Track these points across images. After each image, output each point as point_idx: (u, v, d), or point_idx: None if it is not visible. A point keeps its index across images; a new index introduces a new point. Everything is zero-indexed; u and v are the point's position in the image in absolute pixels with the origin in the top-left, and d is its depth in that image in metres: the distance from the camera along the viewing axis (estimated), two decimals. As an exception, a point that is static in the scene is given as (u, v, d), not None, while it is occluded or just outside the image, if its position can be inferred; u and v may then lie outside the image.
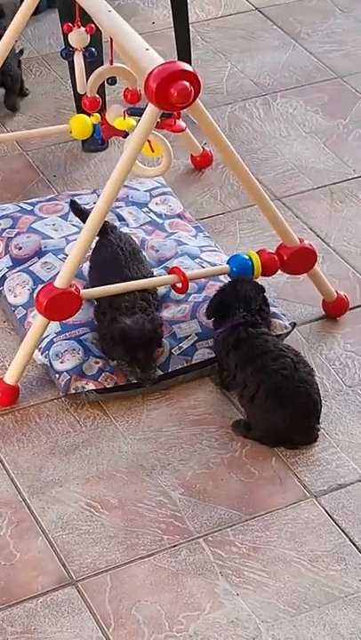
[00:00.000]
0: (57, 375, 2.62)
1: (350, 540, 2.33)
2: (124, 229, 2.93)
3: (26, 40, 3.67)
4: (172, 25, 3.48)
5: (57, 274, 2.63)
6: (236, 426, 2.55)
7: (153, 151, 2.60)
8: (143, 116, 2.40)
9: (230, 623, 2.19)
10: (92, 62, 2.90)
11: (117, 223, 2.95)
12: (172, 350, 2.65)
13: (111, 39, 2.61)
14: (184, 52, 3.45)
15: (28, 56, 3.61)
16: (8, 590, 2.24)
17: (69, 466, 2.47)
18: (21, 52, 3.51)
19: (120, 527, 2.35)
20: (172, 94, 2.33)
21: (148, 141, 2.54)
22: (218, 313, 2.62)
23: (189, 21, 3.47)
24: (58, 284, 2.51)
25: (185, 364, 2.65)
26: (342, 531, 2.35)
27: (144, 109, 2.46)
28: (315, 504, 2.41)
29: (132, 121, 2.65)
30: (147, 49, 2.44)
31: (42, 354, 2.66)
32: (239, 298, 2.60)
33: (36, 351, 2.64)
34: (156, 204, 3.05)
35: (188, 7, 3.45)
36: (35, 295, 2.57)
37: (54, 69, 3.60)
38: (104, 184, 2.43)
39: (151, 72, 2.34)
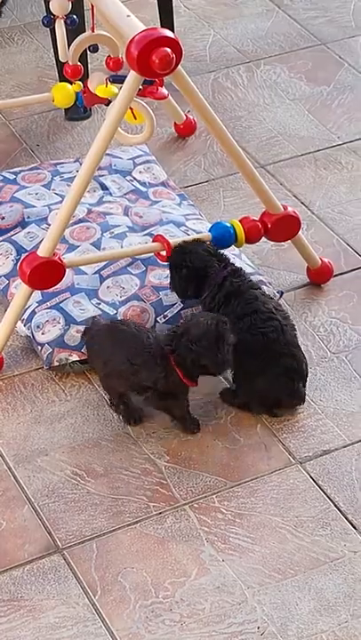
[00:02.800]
0: (39, 347, 2.62)
1: (335, 505, 2.34)
2: (108, 197, 2.93)
3: (7, 9, 3.65)
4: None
5: (40, 243, 2.63)
6: (224, 394, 2.56)
7: (135, 118, 2.60)
8: (125, 83, 2.39)
9: (216, 589, 2.20)
10: (74, 30, 2.89)
11: (101, 192, 2.95)
12: (158, 318, 2.65)
13: (92, 6, 2.60)
14: (167, 20, 3.43)
15: (9, 25, 3.59)
16: (-6, 559, 2.26)
17: (55, 434, 2.47)
18: None
19: (106, 495, 2.36)
20: (153, 61, 2.32)
21: (131, 109, 2.54)
22: (190, 286, 2.59)
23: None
24: (41, 252, 2.51)
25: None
26: (327, 496, 2.36)
27: (126, 77, 2.45)
28: (300, 470, 2.42)
29: (114, 88, 2.65)
30: (128, 16, 2.43)
31: (24, 325, 2.66)
32: (205, 258, 2.57)
33: (19, 323, 2.64)
34: (140, 172, 3.05)
35: (171, -26, 3.44)
36: (18, 265, 2.57)
37: (36, 38, 3.59)
38: (87, 153, 2.43)
39: (132, 39, 2.34)
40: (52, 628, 2.14)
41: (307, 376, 2.53)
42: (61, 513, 2.33)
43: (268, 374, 2.47)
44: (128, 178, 3.02)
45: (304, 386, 2.53)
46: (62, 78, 3.08)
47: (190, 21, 3.66)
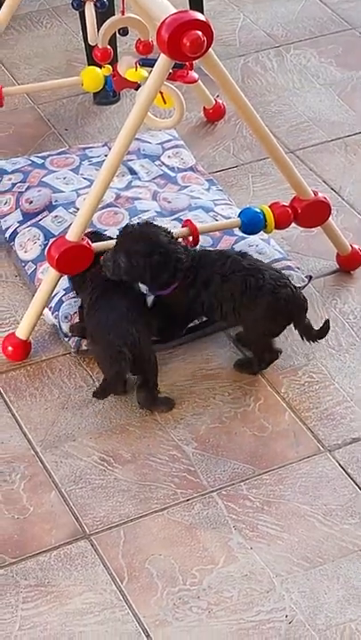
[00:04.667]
0: (66, 339, 2.62)
1: (364, 493, 2.34)
2: (136, 182, 2.92)
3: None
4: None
5: (68, 227, 2.62)
6: (239, 365, 2.57)
7: (165, 103, 2.59)
8: (155, 66, 2.38)
9: (244, 577, 2.19)
10: (104, 13, 2.88)
11: (129, 176, 2.94)
12: (186, 301, 2.65)
13: (122, -12, 2.59)
14: (197, 3, 3.42)
15: (38, 8, 3.59)
16: (22, 544, 2.25)
17: (82, 420, 2.47)
18: None
19: (133, 481, 2.35)
20: (184, 44, 2.30)
21: (161, 93, 2.52)
22: (160, 274, 2.50)
23: (202, -28, 3.45)
24: (70, 237, 2.50)
25: (198, 322, 2.64)
26: (356, 485, 2.35)
27: (156, 60, 2.44)
28: (329, 458, 2.40)
29: (144, 72, 2.63)
30: (160, -2, 2.42)
31: (52, 313, 2.65)
32: (161, 242, 2.50)
33: (47, 310, 2.63)
34: (169, 157, 3.04)
35: None
36: (46, 249, 2.56)
37: (65, 22, 3.58)
38: (116, 137, 2.42)
39: (163, 21, 2.32)
40: (79, 614, 2.14)
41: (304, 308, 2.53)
42: (89, 499, 2.32)
43: (264, 311, 2.49)
44: (157, 162, 3.01)
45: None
46: (91, 62, 3.07)
47: (220, 5, 3.64)
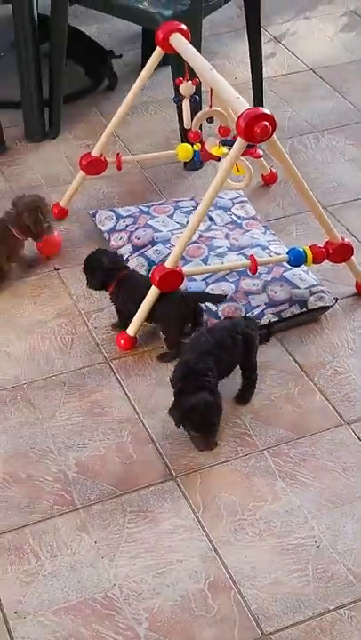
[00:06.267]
0: (161, 332, 2.60)
1: (373, 456, 2.30)
2: (213, 226, 2.90)
3: (145, 88, 3.61)
4: (251, 79, 3.42)
5: (164, 257, 2.60)
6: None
7: (238, 171, 2.56)
8: (234, 146, 2.35)
9: (285, 512, 2.17)
10: (195, 106, 2.85)
11: (208, 222, 2.91)
12: (247, 314, 2.61)
13: (211, 89, 2.56)
14: (259, 100, 3.38)
15: (145, 100, 3.57)
16: (127, 481, 2.24)
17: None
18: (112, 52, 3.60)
19: (207, 440, 2.33)
20: (256, 131, 2.28)
21: (236, 164, 2.49)
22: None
23: (263, 77, 3.41)
24: (168, 264, 2.48)
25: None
26: (367, 449, 2.31)
27: (233, 141, 2.41)
28: (348, 429, 2.37)
29: (224, 149, 2.60)
30: (238, 97, 2.38)
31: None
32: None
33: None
34: (237, 208, 3.00)
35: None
36: (150, 273, 2.54)
37: (164, 110, 3.55)
38: (200, 193, 2.40)
39: (241, 114, 2.29)
40: (167, 533, 2.12)
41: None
42: (175, 451, 2.31)
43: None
44: (228, 212, 2.98)
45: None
46: (184, 140, 3.04)
47: (274, 101, 3.59)
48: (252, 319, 2.48)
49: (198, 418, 2.23)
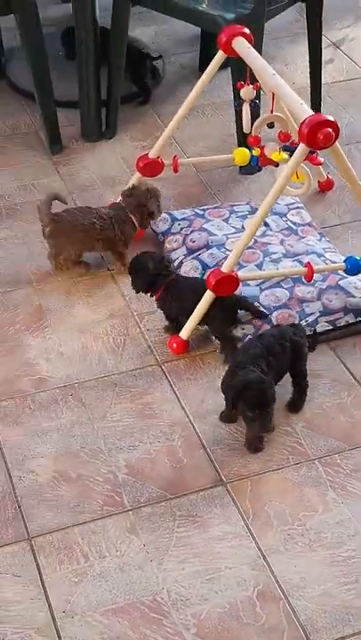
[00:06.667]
0: (214, 337, 2.59)
1: None
2: (269, 232, 2.89)
3: (204, 92, 3.61)
4: (309, 85, 3.40)
5: (219, 261, 2.59)
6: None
7: (298, 177, 2.55)
8: (296, 151, 2.34)
9: (336, 523, 2.15)
10: (254, 111, 2.84)
11: (264, 228, 2.90)
12: (301, 322, 2.60)
13: (273, 95, 2.55)
14: (317, 105, 3.36)
15: (203, 103, 3.56)
16: (178, 485, 2.23)
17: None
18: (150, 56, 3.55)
19: (259, 447, 2.33)
20: (319, 137, 2.26)
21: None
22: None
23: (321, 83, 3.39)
24: (224, 269, 2.47)
25: (310, 332, 2.59)
26: None
27: (294, 147, 2.40)
28: None
29: (284, 155, 2.59)
30: (301, 103, 2.37)
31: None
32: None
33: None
34: (292, 215, 2.99)
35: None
36: (206, 277, 2.53)
37: (220, 113, 3.54)
38: (255, 198, 2.38)
39: (304, 120, 2.28)
40: (216, 539, 2.12)
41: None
42: (226, 457, 2.30)
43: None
44: (284, 218, 2.97)
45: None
46: (240, 144, 3.04)
47: (332, 107, 3.57)
48: (300, 326, 2.46)
49: (254, 395, 2.19)
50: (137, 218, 2.78)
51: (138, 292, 2.59)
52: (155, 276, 2.54)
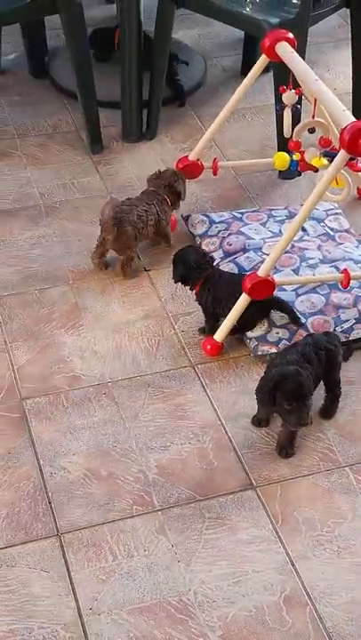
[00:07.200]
0: (248, 340, 2.60)
1: None
2: (306, 237, 2.89)
3: (245, 96, 3.62)
4: (351, 91, 3.39)
5: (255, 265, 2.59)
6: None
7: (337, 183, 2.54)
8: (336, 158, 2.34)
9: (366, 531, 2.15)
10: (296, 115, 2.84)
11: (301, 233, 2.90)
12: (336, 328, 2.59)
13: (315, 100, 2.55)
14: (358, 112, 3.35)
15: (243, 106, 3.56)
16: (207, 487, 2.24)
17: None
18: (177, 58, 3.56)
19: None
20: (360, 144, 2.26)
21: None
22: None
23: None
24: (260, 273, 2.48)
25: (345, 339, 2.59)
26: None
27: (334, 153, 2.40)
28: None
29: (324, 161, 2.59)
30: (343, 109, 2.37)
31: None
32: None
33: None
34: (330, 220, 2.99)
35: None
36: (242, 280, 2.54)
37: (261, 117, 3.55)
38: (293, 203, 2.36)
39: (345, 127, 2.28)
40: (245, 543, 2.12)
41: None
42: (257, 460, 2.30)
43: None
44: (321, 224, 2.97)
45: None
46: (280, 148, 3.04)
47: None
48: (334, 334, 2.46)
49: (291, 386, 2.17)
50: (171, 198, 2.85)
51: (176, 283, 2.62)
52: (194, 269, 2.56)
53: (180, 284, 2.63)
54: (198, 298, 2.61)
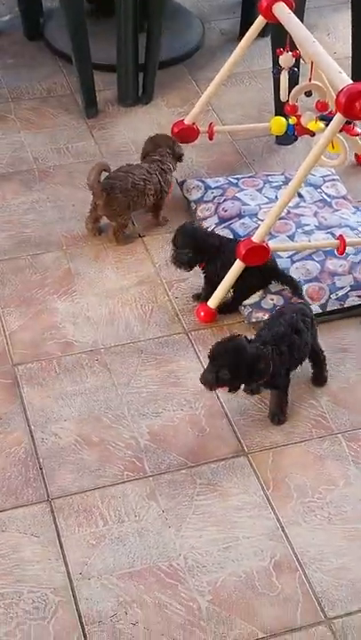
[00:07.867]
0: (242, 307, 2.59)
1: None
2: (302, 203, 2.87)
3: (242, 60, 3.58)
4: (351, 55, 3.35)
5: (250, 231, 2.57)
6: None
7: (333, 148, 2.52)
8: (332, 121, 2.32)
9: (358, 500, 2.14)
10: (292, 78, 2.81)
11: (297, 199, 2.88)
12: (331, 295, 2.58)
13: (312, 63, 2.52)
14: (358, 76, 3.29)
15: (241, 70, 3.52)
16: (199, 454, 2.24)
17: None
18: None
19: (282, 419, 2.33)
20: (356, 107, 2.23)
21: (331, 141, 2.45)
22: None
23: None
24: (255, 238, 2.46)
25: (339, 307, 2.58)
26: None
27: (331, 117, 2.37)
28: None
29: (321, 124, 2.57)
30: (340, 72, 2.34)
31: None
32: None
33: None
34: (327, 187, 2.96)
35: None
36: (237, 246, 2.52)
37: (258, 82, 3.51)
38: (290, 168, 2.34)
39: (342, 90, 2.25)
40: (235, 509, 2.13)
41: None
42: (249, 427, 2.30)
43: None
44: (318, 190, 2.94)
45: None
46: (277, 113, 3.01)
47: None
48: (306, 302, 2.43)
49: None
50: (174, 165, 2.81)
51: (178, 265, 2.57)
52: (197, 251, 2.52)
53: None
54: (206, 266, 2.59)
